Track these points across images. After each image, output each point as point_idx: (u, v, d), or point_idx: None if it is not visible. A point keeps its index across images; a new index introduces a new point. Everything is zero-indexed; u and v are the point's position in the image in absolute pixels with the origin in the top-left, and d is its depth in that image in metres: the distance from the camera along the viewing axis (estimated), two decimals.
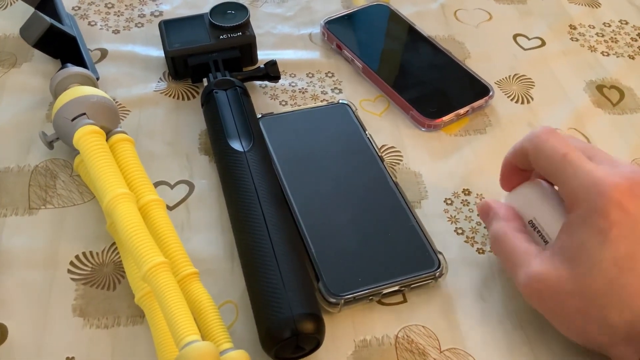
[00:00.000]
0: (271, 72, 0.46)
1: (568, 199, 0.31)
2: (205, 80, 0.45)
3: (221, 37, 0.47)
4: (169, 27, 0.48)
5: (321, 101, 0.48)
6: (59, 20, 0.47)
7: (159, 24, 0.48)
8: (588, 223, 0.29)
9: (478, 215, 0.39)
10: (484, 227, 0.40)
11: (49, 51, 0.47)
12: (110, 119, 0.40)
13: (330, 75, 0.50)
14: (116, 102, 0.46)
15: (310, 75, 0.50)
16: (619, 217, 0.29)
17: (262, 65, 0.47)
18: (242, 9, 0.49)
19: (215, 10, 0.49)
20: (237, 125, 0.41)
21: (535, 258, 0.32)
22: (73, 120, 0.39)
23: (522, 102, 0.49)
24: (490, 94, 0.47)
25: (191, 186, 0.41)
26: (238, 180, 0.38)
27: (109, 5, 0.54)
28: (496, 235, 0.35)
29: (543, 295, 0.31)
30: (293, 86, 0.49)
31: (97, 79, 0.45)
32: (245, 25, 0.48)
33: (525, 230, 0.35)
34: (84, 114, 0.39)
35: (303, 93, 0.48)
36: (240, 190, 0.37)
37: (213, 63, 0.46)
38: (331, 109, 0.46)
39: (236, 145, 0.39)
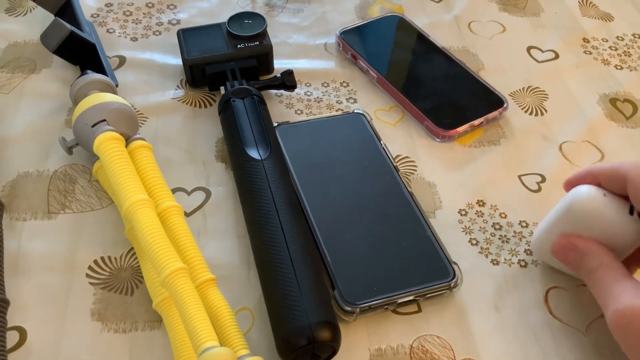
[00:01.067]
0: (287, 81, 0.47)
1: None
2: (222, 88, 0.46)
3: (239, 46, 0.47)
4: (187, 36, 0.49)
5: (336, 110, 0.48)
6: (79, 27, 0.48)
7: (178, 33, 0.49)
8: None
9: (553, 254, 0.35)
10: (499, 238, 0.40)
11: (68, 57, 0.48)
12: (129, 126, 0.41)
13: (345, 84, 0.51)
14: (134, 109, 0.46)
15: (325, 84, 0.50)
16: None
17: (278, 75, 0.47)
18: (260, 18, 0.49)
19: (233, 19, 0.49)
20: (255, 134, 0.41)
21: (627, 292, 0.30)
22: (93, 126, 0.39)
23: (536, 114, 0.49)
24: (505, 105, 0.48)
25: (208, 193, 0.42)
26: (255, 188, 0.38)
27: (127, 13, 0.55)
28: (596, 272, 0.33)
29: (630, 329, 0.29)
30: (308, 95, 0.49)
31: (116, 85, 0.45)
32: (263, 35, 0.48)
33: (621, 265, 0.33)
34: (104, 120, 0.39)
35: (318, 102, 0.49)
36: (257, 198, 0.37)
37: (230, 72, 0.46)
38: (346, 119, 0.46)
39: (253, 153, 0.40)
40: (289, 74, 0.47)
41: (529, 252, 0.40)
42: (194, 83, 0.48)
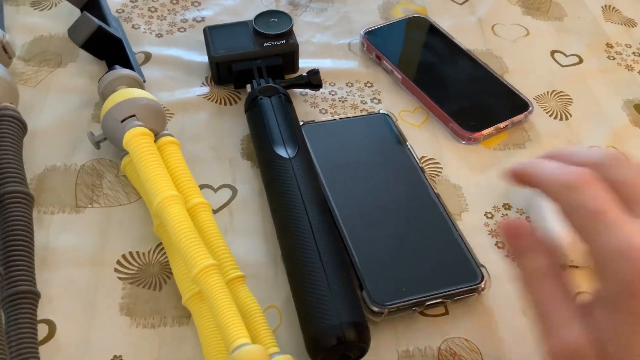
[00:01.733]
0: (313, 80, 0.47)
1: (596, 263, 0.25)
2: (248, 86, 0.46)
3: (265, 44, 0.47)
4: (214, 33, 0.49)
5: (360, 111, 0.48)
6: (105, 22, 0.48)
7: (204, 30, 0.49)
8: (618, 303, 0.24)
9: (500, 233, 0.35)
10: None
11: (95, 52, 0.48)
12: (158, 122, 0.41)
13: (369, 85, 0.51)
14: None
15: (350, 84, 0.50)
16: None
17: (304, 73, 0.47)
18: (286, 17, 0.49)
19: (260, 17, 0.49)
20: (282, 132, 0.41)
21: (569, 324, 0.26)
22: (123, 121, 0.39)
23: (561, 119, 0.49)
24: (530, 109, 0.48)
25: (234, 190, 0.42)
26: (284, 186, 0.38)
27: (152, 9, 0.55)
28: (532, 278, 0.28)
29: None
30: (333, 95, 0.49)
31: (144, 81, 0.45)
32: (289, 34, 0.48)
33: (562, 274, 0.28)
34: (134, 115, 0.39)
35: (343, 102, 0.49)
36: (286, 196, 0.37)
37: (257, 70, 0.46)
38: (372, 119, 0.46)
39: (281, 151, 0.40)
40: (314, 73, 0.47)
41: None
42: (220, 80, 0.48)
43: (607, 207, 0.25)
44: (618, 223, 0.24)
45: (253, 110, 0.43)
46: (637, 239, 0.23)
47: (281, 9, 0.54)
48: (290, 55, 0.48)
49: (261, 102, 0.43)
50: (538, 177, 0.28)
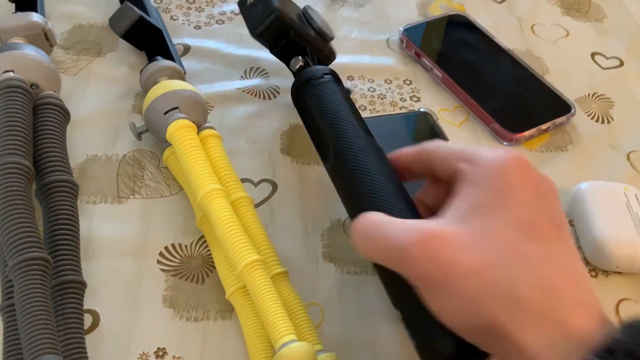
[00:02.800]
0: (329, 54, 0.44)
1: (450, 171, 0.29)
2: (296, 63, 0.41)
3: (315, 35, 0.43)
4: None
5: (400, 108, 0.48)
6: (146, 12, 0.48)
7: None
8: (483, 184, 0.26)
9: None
10: None
11: (135, 43, 0.48)
12: (200, 114, 0.41)
13: (408, 82, 0.50)
14: None
15: (388, 81, 0.50)
16: (516, 179, 0.26)
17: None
18: (323, 20, 0.44)
19: (309, 8, 0.44)
20: (358, 121, 0.36)
21: (423, 224, 0.26)
22: (166, 113, 0.39)
23: (602, 122, 0.48)
24: (572, 111, 0.47)
25: (274, 185, 0.42)
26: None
27: (190, 1, 0.55)
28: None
29: (435, 255, 0.25)
30: (372, 92, 0.49)
31: (184, 73, 0.45)
32: (330, 42, 0.45)
33: None
34: (177, 107, 0.39)
35: (382, 99, 0.48)
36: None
37: (310, 51, 0.42)
38: (413, 117, 0.46)
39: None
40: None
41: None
42: (274, 45, 0.42)
43: None
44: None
45: (316, 90, 0.38)
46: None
47: (320, 4, 0.53)
48: (326, 63, 0.45)
49: (324, 83, 0.38)
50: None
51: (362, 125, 0.36)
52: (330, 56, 0.45)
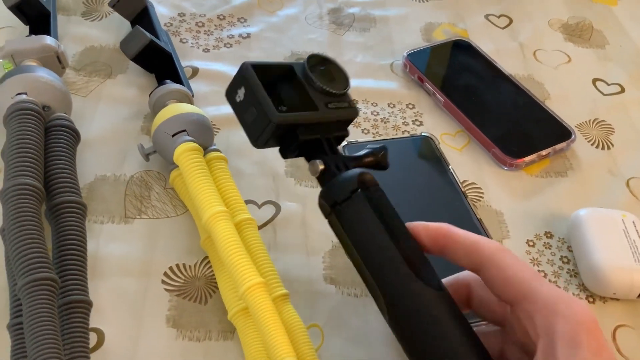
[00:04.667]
0: (383, 161, 0.36)
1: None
2: (315, 170, 0.33)
3: (330, 105, 0.35)
4: (263, 77, 0.33)
5: (402, 132, 0.49)
6: (156, 35, 0.49)
7: (245, 68, 0.33)
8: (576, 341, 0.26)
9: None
10: (567, 272, 0.40)
11: (145, 65, 0.49)
12: (206, 137, 0.42)
13: (410, 106, 0.51)
14: None
15: (392, 105, 0.51)
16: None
17: (366, 149, 0.36)
18: (335, 67, 0.37)
19: (312, 64, 0.36)
20: (411, 249, 0.31)
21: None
22: (174, 135, 0.40)
23: (603, 148, 0.49)
24: (573, 137, 0.48)
25: (277, 207, 0.43)
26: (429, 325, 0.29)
27: (200, 24, 0.56)
28: None
29: None
30: (375, 115, 0.50)
31: (192, 96, 0.46)
32: (348, 95, 0.37)
33: None
34: (184, 130, 0.40)
35: (385, 122, 0.49)
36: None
37: (326, 141, 0.34)
38: (415, 141, 0.47)
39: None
40: (382, 152, 0.36)
41: None
42: (286, 151, 0.35)
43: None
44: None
45: (347, 217, 0.31)
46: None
47: (325, 28, 0.54)
48: (347, 124, 0.37)
49: (365, 199, 0.31)
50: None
51: (409, 250, 0.30)
52: (350, 117, 0.36)
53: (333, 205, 0.31)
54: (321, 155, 0.34)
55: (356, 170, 0.32)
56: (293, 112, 0.33)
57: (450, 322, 0.28)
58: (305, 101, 0.34)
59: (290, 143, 0.34)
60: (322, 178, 0.33)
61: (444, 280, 0.31)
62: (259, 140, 0.34)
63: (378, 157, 0.35)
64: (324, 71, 0.36)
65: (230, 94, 0.34)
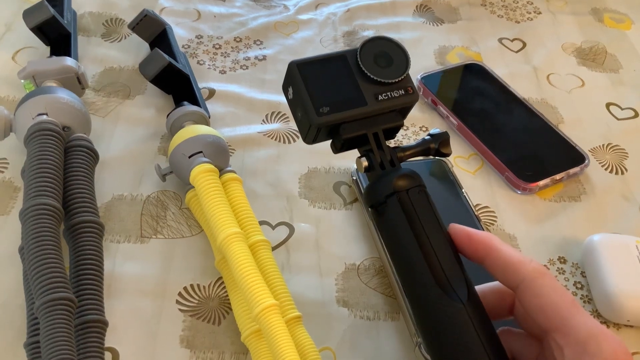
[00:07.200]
0: (443, 148, 0.34)
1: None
2: (362, 164, 0.33)
3: (380, 97, 0.33)
4: (309, 74, 0.32)
5: None
6: (174, 57, 0.50)
7: (292, 67, 0.32)
8: None
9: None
10: (580, 298, 0.40)
11: (163, 87, 0.50)
12: (222, 158, 0.42)
13: (424, 129, 0.51)
14: None
15: (405, 128, 0.51)
16: None
17: (426, 136, 0.35)
18: (398, 50, 0.34)
19: (365, 52, 0.33)
20: (444, 262, 0.29)
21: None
22: (190, 157, 0.41)
23: (616, 173, 0.49)
24: (586, 162, 0.48)
25: (291, 229, 0.43)
26: (459, 342, 0.29)
27: (217, 46, 0.57)
28: None
29: None
30: None
31: (209, 117, 0.47)
32: (407, 78, 0.34)
33: None
34: (201, 152, 0.41)
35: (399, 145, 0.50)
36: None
37: (373, 136, 0.33)
38: (428, 164, 0.47)
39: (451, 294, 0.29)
40: (444, 139, 0.34)
41: None
42: (314, 140, 0.34)
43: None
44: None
45: (383, 222, 0.31)
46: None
47: (346, 46, 0.54)
48: (406, 111, 0.35)
49: (391, 213, 0.30)
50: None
51: (440, 259, 0.29)
52: (406, 104, 0.33)
53: (372, 207, 0.32)
54: (367, 151, 0.33)
55: (396, 172, 0.31)
56: (336, 111, 0.32)
57: (472, 334, 0.28)
58: (354, 95, 0.33)
59: (336, 140, 0.33)
60: (367, 175, 0.33)
61: (489, 285, 0.31)
62: (306, 138, 0.34)
63: (438, 145, 0.34)
64: (380, 55, 0.33)
65: (284, 90, 0.34)
